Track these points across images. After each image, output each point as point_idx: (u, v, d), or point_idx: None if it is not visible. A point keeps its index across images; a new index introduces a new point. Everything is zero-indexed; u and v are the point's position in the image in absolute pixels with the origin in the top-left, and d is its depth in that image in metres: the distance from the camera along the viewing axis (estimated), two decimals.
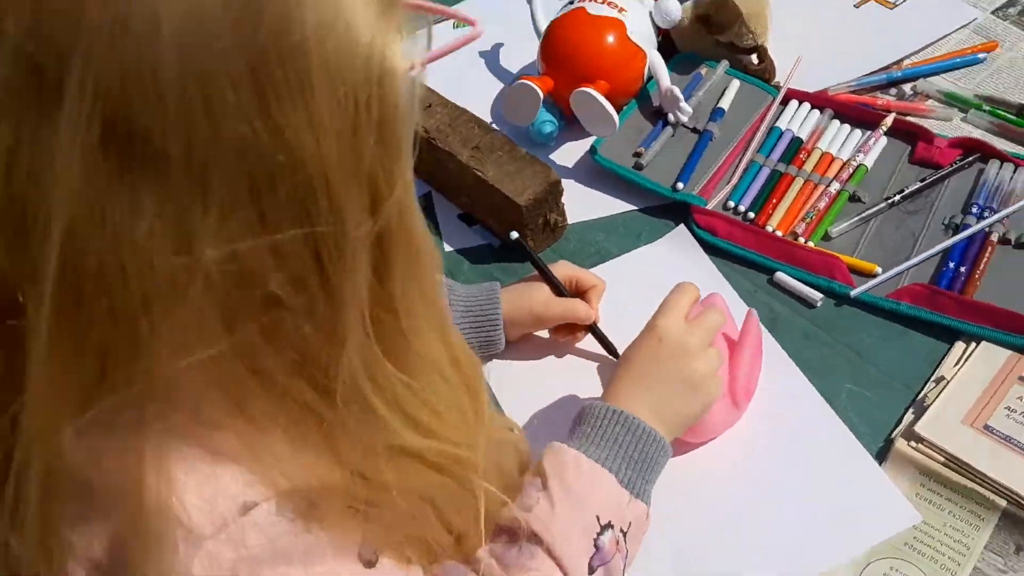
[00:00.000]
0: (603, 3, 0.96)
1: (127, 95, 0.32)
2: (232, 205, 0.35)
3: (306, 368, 0.40)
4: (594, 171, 0.97)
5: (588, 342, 0.84)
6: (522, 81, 0.94)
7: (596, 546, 0.58)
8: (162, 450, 0.38)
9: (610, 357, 0.83)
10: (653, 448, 0.62)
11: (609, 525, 0.59)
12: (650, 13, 1.00)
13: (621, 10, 0.96)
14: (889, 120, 0.95)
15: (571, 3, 0.99)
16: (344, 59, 0.35)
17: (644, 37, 0.98)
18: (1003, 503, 0.70)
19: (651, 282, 0.88)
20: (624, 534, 0.60)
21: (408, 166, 0.39)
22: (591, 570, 0.58)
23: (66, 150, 0.32)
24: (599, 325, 0.82)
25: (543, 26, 1.00)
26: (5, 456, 0.38)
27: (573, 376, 0.83)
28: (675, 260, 0.90)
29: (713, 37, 1.02)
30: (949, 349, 0.80)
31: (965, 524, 0.70)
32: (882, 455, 0.74)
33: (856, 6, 1.11)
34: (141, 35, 0.32)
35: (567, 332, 0.83)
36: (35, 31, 0.31)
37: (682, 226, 0.92)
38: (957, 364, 0.78)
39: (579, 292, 0.82)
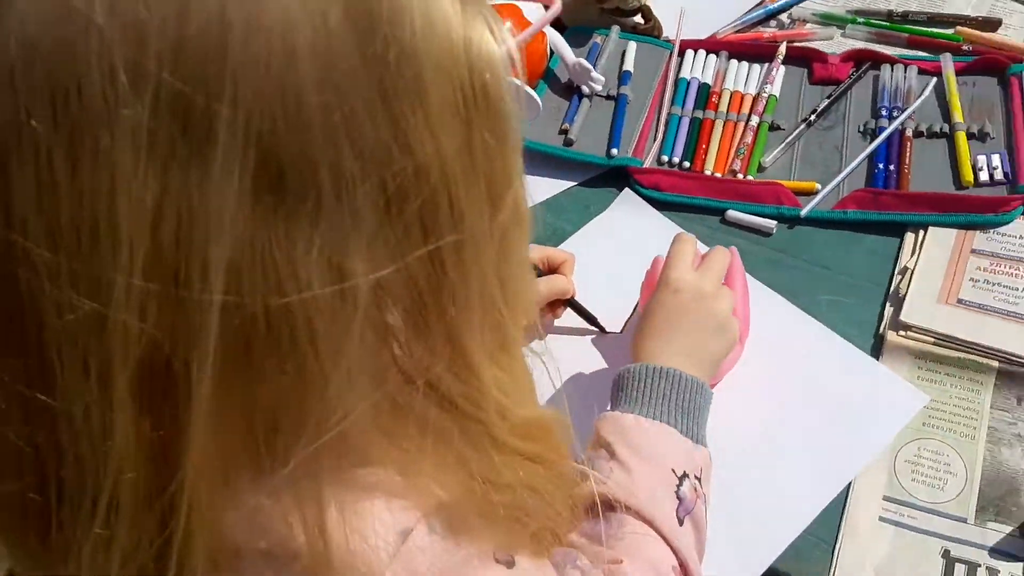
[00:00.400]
0: None
1: (276, 127, 0.30)
2: (373, 227, 0.34)
3: (436, 387, 0.39)
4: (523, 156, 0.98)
5: (564, 319, 0.85)
6: None
7: (679, 497, 0.59)
8: (337, 496, 0.36)
9: (593, 328, 0.84)
10: (698, 395, 0.64)
11: (685, 475, 0.60)
12: None
13: None
14: (783, 49, 1.01)
15: None
16: (447, 56, 0.34)
17: (536, 14, 0.99)
18: (995, 364, 0.76)
19: (614, 248, 0.91)
20: (699, 480, 0.61)
21: (519, 154, 0.39)
22: (680, 522, 0.59)
23: (221, 193, 0.30)
24: (576, 299, 0.83)
25: None
26: (164, 541, 0.35)
27: (569, 354, 0.84)
28: (630, 222, 0.92)
29: (599, 6, 1.05)
30: (901, 242, 0.86)
31: (968, 392, 0.75)
32: (876, 351, 0.79)
33: None
34: (283, 65, 0.30)
35: (547, 311, 0.84)
36: (180, 70, 0.29)
37: (627, 189, 0.94)
38: (914, 253, 0.84)
39: (551, 270, 0.82)
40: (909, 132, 0.92)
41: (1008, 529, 0.68)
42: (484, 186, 0.37)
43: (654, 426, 0.62)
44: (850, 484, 0.72)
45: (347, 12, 0.31)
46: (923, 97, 0.93)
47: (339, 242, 0.33)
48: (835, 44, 1.04)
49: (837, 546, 0.69)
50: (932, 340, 0.78)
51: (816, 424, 0.75)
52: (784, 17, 1.08)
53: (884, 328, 0.79)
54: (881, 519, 0.70)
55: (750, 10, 1.08)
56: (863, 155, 0.91)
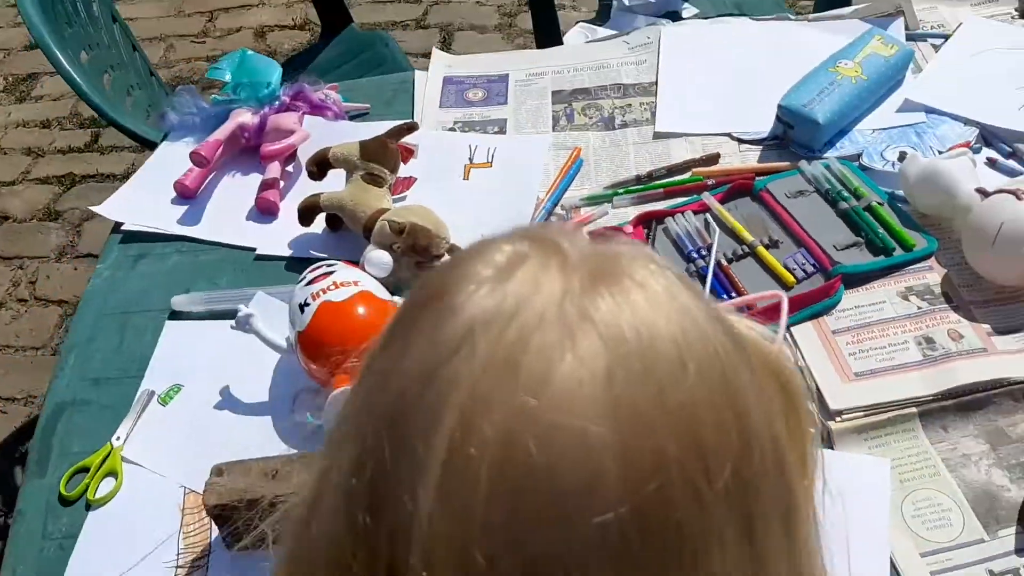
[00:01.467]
0: (340, 286, 0.98)
1: None
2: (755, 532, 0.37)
3: None
4: None
5: None
6: (341, 389, 0.92)
7: None
8: None
9: None
10: None
11: None
12: (365, 270, 1.04)
13: (355, 283, 0.99)
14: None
15: (307, 305, 0.98)
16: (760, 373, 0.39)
17: (382, 290, 1.02)
18: (913, 409, 0.91)
19: None
20: None
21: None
22: None
23: None
24: None
25: (291, 339, 0.98)
26: None
27: None
28: None
29: (415, 261, 1.10)
30: None
31: (909, 440, 0.90)
32: (829, 443, 0.91)
33: (464, 178, 1.28)
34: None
35: None
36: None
37: None
38: (795, 352, 0.99)
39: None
40: (724, 261, 1.08)
41: (1014, 529, 0.82)
42: (799, 457, 0.42)
43: None
44: (892, 562, 0.82)
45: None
46: (717, 232, 1.11)
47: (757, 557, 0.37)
48: (612, 218, 1.19)
49: None
50: (863, 414, 0.92)
51: (826, 532, 0.84)
52: (559, 210, 1.21)
53: (823, 423, 0.92)
54: (932, 574, 0.81)
55: (533, 216, 1.20)
56: (706, 293, 1.05)
